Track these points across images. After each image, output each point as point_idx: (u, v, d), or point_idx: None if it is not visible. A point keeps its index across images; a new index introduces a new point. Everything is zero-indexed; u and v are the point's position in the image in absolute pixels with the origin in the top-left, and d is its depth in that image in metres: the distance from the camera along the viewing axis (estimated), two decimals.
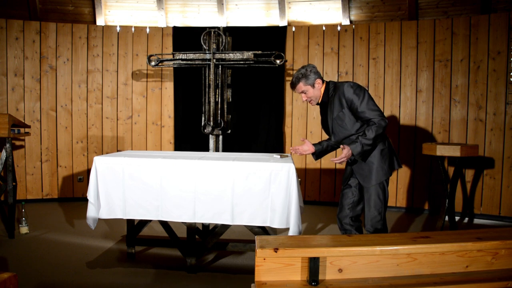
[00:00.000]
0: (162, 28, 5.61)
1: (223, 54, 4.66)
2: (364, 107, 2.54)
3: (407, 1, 5.18)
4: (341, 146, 2.63)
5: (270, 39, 5.42)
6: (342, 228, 2.81)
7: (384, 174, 2.61)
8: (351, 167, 2.74)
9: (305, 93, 2.70)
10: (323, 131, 5.32)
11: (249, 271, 3.04)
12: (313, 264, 1.57)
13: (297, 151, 2.79)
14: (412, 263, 1.63)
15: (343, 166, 5.37)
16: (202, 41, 4.68)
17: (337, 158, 2.57)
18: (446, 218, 4.14)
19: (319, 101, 2.74)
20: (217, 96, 4.71)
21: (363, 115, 2.56)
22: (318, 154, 2.86)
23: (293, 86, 2.73)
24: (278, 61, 4.66)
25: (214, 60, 4.65)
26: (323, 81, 2.71)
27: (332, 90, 2.68)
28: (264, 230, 3.17)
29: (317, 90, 2.69)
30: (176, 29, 5.55)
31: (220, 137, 4.81)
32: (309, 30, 5.44)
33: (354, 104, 2.56)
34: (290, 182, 2.71)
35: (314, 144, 2.83)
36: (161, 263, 3.24)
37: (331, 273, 1.61)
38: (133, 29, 5.58)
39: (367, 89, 5.23)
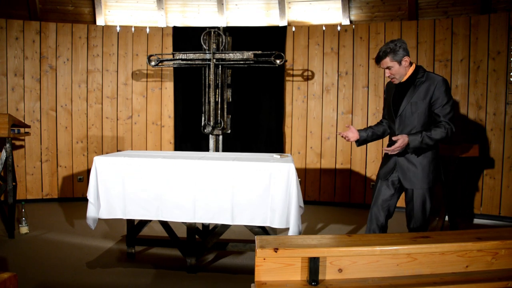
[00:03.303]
0: (162, 28, 5.61)
1: (223, 54, 4.66)
2: (442, 109, 2.45)
3: (407, 1, 5.18)
4: (393, 137, 2.50)
5: (270, 39, 5.42)
6: (372, 221, 2.71)
7: (429, 181, 2.53)
8: (395, 162, 2.62)
9: (389, 69, 2.54)
10: (323, 130, 5.35)
11: (249, 271, 3.04)
12: (313, 264, 1.57)
13: (344, 135, 2.70)
14: (412, 263, 1.63)
15: (344, 160, 5.36)
16: (202, 41, 4.68)
17: (391, 148, 2.46)
18: (446, 218, 4.14)
19: (402, 80, 2.59)
20: (217, 96, 4.70)
21: (437, 112, 2.46)
22: (362, 142, 2.77)
23: (379, 60, 2.56)
24: (278, 61, 4.66)
25: (214, 60, 4.64)
26: (411, 61, 2.56)
27: (423, 76, 2.52)
28: (264, 230, 3.17)
29: (403, 68, 2.53)
30: (176, 29, 5.55)
31: (220, 137, 4.81)
32: (309, 30, 5.44)
33: (437, 102, 2.46)
34: (290, 182, 2.71)
35: (359, 131, 2.74)
36: (161, 263, 3.24)
37: (331, 273, 1.61)
38: (133, 29, 5.58)
39: (368, 88, 5.24)
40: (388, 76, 2.60)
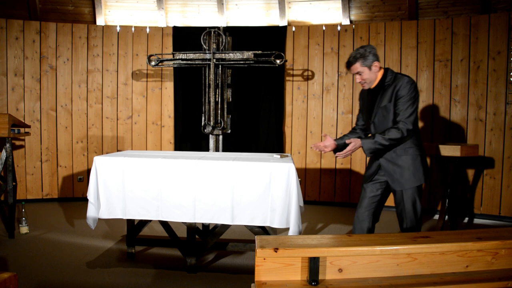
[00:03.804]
0: (162, 28, 5.61)
1: (223, 54, 4.66)
2: (404, 109, 2.46)
3: (407, 1, 5.18)
4: (347, 140, 2.53)
5: (270, 39, 5.42)
6: (358, 225, 2.71)
7: (418, 179, 2.54)
8: (378, 164, 2.64)
9: (360, 74, 2.57)
10: (323, 130, 5.35)
11: (249, 271, 3.04)
12: (313, 264, 1.57)
13: (319, 147, 2.68)
14: (412, 263, 1.63)
15: (344, 160, 5.36)
16: (202, 41, 4.68)
17: (342, 152, 2.48)
18: (446, 218, 4.13)
19: (373, 86, 2.61)
20: (217, 96, 4.70)
21: (397, 112, 2.48)
22: (340, 150, 2.74)
23: (349, 65, 2.59)
24: (278, 61, 4.66)
25: (214, 60, 4.65)
26: (380, 66, 2.59)
27: (390, 79, 2.55)
28: (264, 230, 3.17)
29: (373, 74, 2.56)
30: (176, 29, 5.55)
31: (220, 137, 4.81)
32: (309, 30, 5.44)
33: (399, 101, 2.48)
34: (290, 182, 2.71)
35: (336, 140, 2.74)
36: (161, 263, 3.24)
37: (331, 273, 1.61)
38: (133, 29, 5.58)
39: None
40: (359, 82, 2.63)
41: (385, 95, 2.54)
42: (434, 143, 4.17)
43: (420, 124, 5.07)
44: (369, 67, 2.54)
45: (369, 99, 2.68)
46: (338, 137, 2.80)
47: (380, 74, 2.58)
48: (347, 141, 2.52)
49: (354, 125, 2.98)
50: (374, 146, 2.45)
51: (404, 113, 2.46)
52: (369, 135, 2.66)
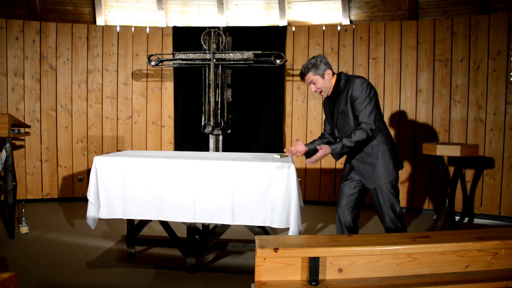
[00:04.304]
0: (162, 28, 5.61)
1: (223, 54, 4.66)
2: (362, 109, 2.52)
3: (407, 1, 5.18)
4: (317, 146, 2.58)
5: (270, 39, 5.42)
6: (340, 224, 2.75)
7: (389, 174, 2.57)
8: (350, 165, 2.72)
9: (314, 83, 2.65)
10: (323, 130, 5.35)
11: (249, 271, 3.04)
12: (313, 264, 1.57)
13: (291, 152, 2.73)
14: (412, 263, 1.63)
15: (344, 160, 5.37)
16: (202, 41, 4.68)
17: (312, 159, 2.55)
18: (446, 218, 4.13)
19: (329, 93, 2.68)
20: (217, 96, 4.70)
21: (357, 114, 2.54)
22: (312, 154, 2.78)
23: (302, 76, 2.67)
24: (278, 61, 4.66)
25: (214, 60, 4.65)
26: (333, 72, 2.66)
27: (344, 83, 2.62)
28: (264, 230, 3.17)
29: (327, 81, 2.64)
30: (176, 29, 5.55)
31: (220, 137, 4.81)
32: (309, 30, 5.44)
33: (355, 103, 2.54)
34: (290, 182, 2.71)
35: (306, 144, 2.78)
36: (161, 263, 3.24)
37: (331, 273, 1.61)
38: (133, 29, 5.58)
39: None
40: (315, 91, 2.69)
41: (341, 100, 2.61)
42: (434, 143, 4.17)
43: (420, 124, 5.07)
44: (322, 76, 2.62)
45: (329, 106, 2.76)
46: (308, 142, 2.83)
47: (333, 81, 2.66)
48: (318, 147, 2.57)
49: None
50: (342, 151, 2.54)
51: (364, 113, 2.52)
52: (338, 140, 2.73)
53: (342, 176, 2.82)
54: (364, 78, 2.59)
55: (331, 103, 2.73)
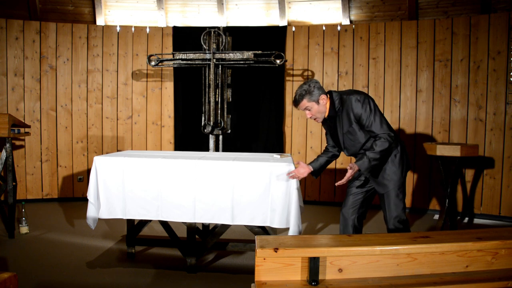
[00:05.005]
0: (162, 28, 5.61)
1: (223, 54, 4.66)
2: (371, 123, 2.48)
3: (407, 1, 5.18)
4: (348, 166, 2.52)
5: (270, 39, 5.42)
6: (343, 223, 2.73)
7: (398, 179, 2.56)
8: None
9: (309, 110, 2.59)
10: (323, 131, 5.35)
11: (249, 271, 3.04)
12: (313, 264, 1.57)
13: (293, 177, 2.69)
14: (412, 263, 1.63)
15: (344, 160, 5.36)
16: (202, 41, 4.68)
17: (342, 180, 2.50)
18: (446, 218, 4.13)
19: (326, 116, 2.63)
20: (217, 96, 4.70)
21: (369, 129, 2.50)
22: (317, 172, 2.80)
23: (296, 103, 2.60)
24: (278, 61, 4.66)
25: (214, 60, 4.64)
26: (326, 95, 2.59)
27: (339, 103, 2.57)
28: (264, 230, 3.17)
29: (322, 106, 2.58)
30: (176, 29, 5.55)
31: (220, 137, 4.81)
32: (309, 30, 5.44)
33: (362, 120, 2.50)
34: (290, 182, 2.71)
35: (310, 163, 2.77)
36: (161, 263, 3.24)
37: (331, 273, 1.61)
38: (133, 29, 5.58)
39: (368, 88, 5.24)
40: (310, 118, 2.63)
41: (343, 121, 2.57)
42: (434, 143, 4.17)
43: (420, 124, 5.07)
44: (317, 102, 2.56)
45: (329, 128, 2.72)
46: (311, 161, 2.82)
47: (328, 104, 2.60)
48: (348, 167, 2.51)
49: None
50: (370, 165, 2.46)
51: (375, 126, 2.48)
52: (349, 155, 2.72)
53: (351, 179, 2.76)
54: (357, 93, 2.55)
55: (331, 126, 2.68)
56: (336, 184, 2.58)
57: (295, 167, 2.78)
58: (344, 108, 2.55)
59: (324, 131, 5.17)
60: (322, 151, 2.92)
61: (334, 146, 2.82)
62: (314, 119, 2.64)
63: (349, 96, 2.54)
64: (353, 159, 3.00)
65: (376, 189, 2.64)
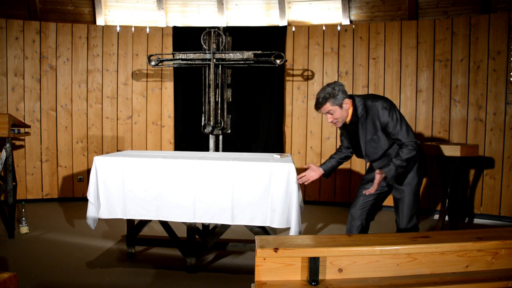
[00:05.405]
0: (162, 28, 5.61)
1: (223, 54, 4.66)
2: (398, 132, 2.43)
3: (407, 1, 5.18)
4: (376, 172, 2.48)
5: (270, 39, 5.42)
6: (350, 222, 2.72)
7: (416, 184, 2.54)
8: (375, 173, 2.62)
9: (331, 114, 2.49)
10: (323, 130, 5.35)
11: (249, 271, 3.04)
12: (313, 264, 1.57)
13: (302, 180, 2.67)
14: (412, 263, 1.63)
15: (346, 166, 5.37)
16: (202, 41, 4.68)
17: (371, 189, 2.46)
18: (446, 218, 4.13)
19: (347, 122, 2.55)
20: (217, 96, 4.70)
21: (395, 137, 2.45)
22: (328, 173, 2.77)
23: (319, 106, 2.49)
24: (278, 61, 4.65)
25: (214, 60, 4.64)
26: (350, 99, 2.50)
27: (362, 109, 2.49)
28: (264, 230, 3.17)
29: (345, 111, 2.49)
30: (176, 29, 5.55)
31: (220, 137, 4.81)
32: (309, 30, 5.44)
33: (388, 128, 2.44)
34: (290, 182, 2.71)
35: (321, 166, 2.75)
36: (161, 263, 3.24)
37: (331, 273, 1.61)
38: (133, 29, 5.58)
39: (368, 88, 5.24)
40: (331, 122, 2.55)
41: (366, 128, 2.51)
42: (434, 143, 4.17)
43: (420, 124, 5.07)
44: (340, 106, 2.47)
45: (349, 133, 2.66)
46: (322, 163, 2.79)
47: (351, 110, 2.52)
48: (376, 174, 2.46)
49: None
50: (397, 172, 2.41)
51: (402, 134, 2.43)
52: (369, 160, 2.67)
53: (366, 179, 2.75)
54: (382, 100, 2.48)
55: (351, 131, 2.61)
56: (365, 192, 2.53)
57: (305, 170, 2.77)
58: (369, 115, 2.47)
59: (327, 132, 5.15)
60: (336, 150, 2.88)
61: (348, 147, 2.78)
62: (334, 123, 2.56)
63: (375, 103, 2.46)
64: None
65: (392, 193, 2.61)
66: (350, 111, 2.52)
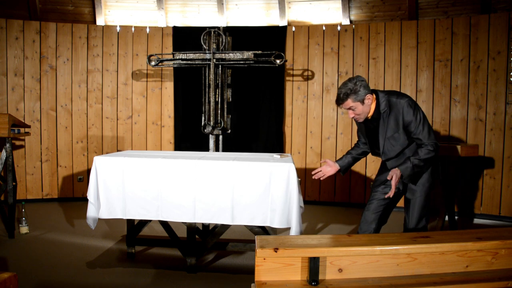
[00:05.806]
0: (162, 28, 5.61)
1: (223, 54, 4.66)
2: (420, 131, 2.39)
3: (407, 1, 5.18)
4: (388, 176, 2.43)
5: (270, 39, 5.42)
6: (364, 224, 2.66)
7: (428, 186, 2.52)
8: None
9: (353, 110, 2.43)
10: (323, 130, 5.35)
11: (249, 271, 3.04)
12: (313, 264, 1.57)
13: (319, 175, 2.64)
14: (412, 263, 1.63)
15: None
16: (202, 41, 4.68)
17: (390, 193, 2.41)
18: (446, 218, 4.13)
19: (368, 117, 2.49)
20: (217, 96, 4.70)
21: (416, 136, 2.41)
22: (345, 169, 2.75)
23: (340, 102, 2.43)
24: (278, 61, 4.65)
25: (214, 60, 4.64)
26: (372, 94, 2.43)
27: (386, 105, 2.42)
28: (264, 230, 3.17)
29: (367, 107, 2.42)
30: (176, 29, 5.55)
31: (220, 137, 4.81)
32: (309, 30, 5.44)
33: (410, 127, 2.40)
34: (290, 182, 2.71)
35: (337, 161, 2.72)
36: (161, 263, 3.24)
37: (331, 273, 1.61)
38: (133, 29, 5.58)
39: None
40: (352, 117, 2.50)
41: (388, 125, 2.44)
42: None
43: None
44: (362, 101, 2.41)
45: (367, 128, 2.60)
46: (339, 159, 2.76)
47: (373, 105, 2.45)
48: (388, 177, 2.42)
49: (354, 131, 2.94)
50: (413, 171, 2.37)
51: (423, 134, 2.39)
52: (385, 158, 2.62)
53: (378, 180, 2.70)
54: (409, 99, 2.42)
55: (370, 125, 2.56)
56: (386, 196, 2.49)
57: (321, 166, 2.75)
58: (392, 112, 2.42)
59: (327, 132, 5.14)
60: (353, 146, 2.84)
61: (365, 143, 2.74)
62: (356, 119, 2.52)
63: (400, 100, 2.41)
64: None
65: (406, 196, 2.59)
66: (373, 106, 2.45)
